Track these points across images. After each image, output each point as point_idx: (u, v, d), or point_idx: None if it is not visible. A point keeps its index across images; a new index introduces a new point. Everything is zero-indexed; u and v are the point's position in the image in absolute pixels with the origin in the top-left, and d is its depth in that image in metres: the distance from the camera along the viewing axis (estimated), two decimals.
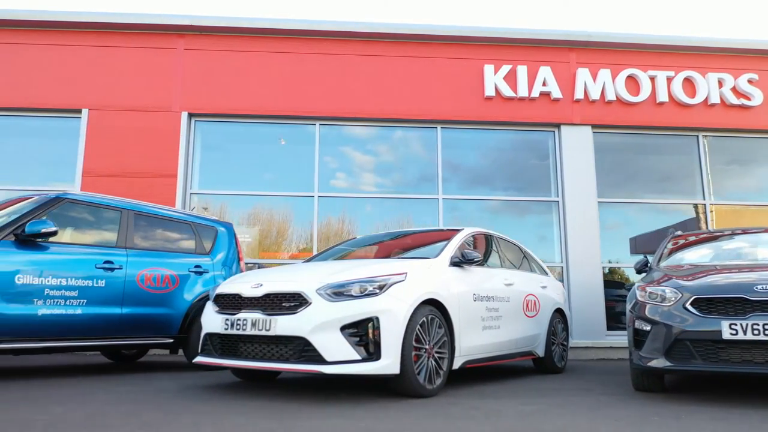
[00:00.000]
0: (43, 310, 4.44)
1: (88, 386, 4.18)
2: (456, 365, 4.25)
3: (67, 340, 4.62)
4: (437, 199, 8.45)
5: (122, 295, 4.95)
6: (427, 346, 3.90)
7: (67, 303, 4.59)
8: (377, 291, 3.72)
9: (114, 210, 5.20)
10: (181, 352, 5.68)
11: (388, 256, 5.28)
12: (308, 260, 5.28)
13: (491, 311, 4.75)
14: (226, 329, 3.88)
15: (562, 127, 8.62)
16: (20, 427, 2.69)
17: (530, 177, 8.84)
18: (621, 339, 8.12)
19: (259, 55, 8.48)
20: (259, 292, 3.84)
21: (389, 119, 8.54)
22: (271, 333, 3.67)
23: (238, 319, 3.83)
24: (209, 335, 4.05)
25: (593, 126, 8.65)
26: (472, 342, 4.45)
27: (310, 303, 3.65)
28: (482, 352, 4.62)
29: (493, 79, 8.52)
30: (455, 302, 4.26)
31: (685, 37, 8.86)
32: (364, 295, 3.69)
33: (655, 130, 8.80)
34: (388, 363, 3.59)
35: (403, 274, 3.90)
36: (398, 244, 5.50)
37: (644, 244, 8.71)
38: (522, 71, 8.58)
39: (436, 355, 3.99)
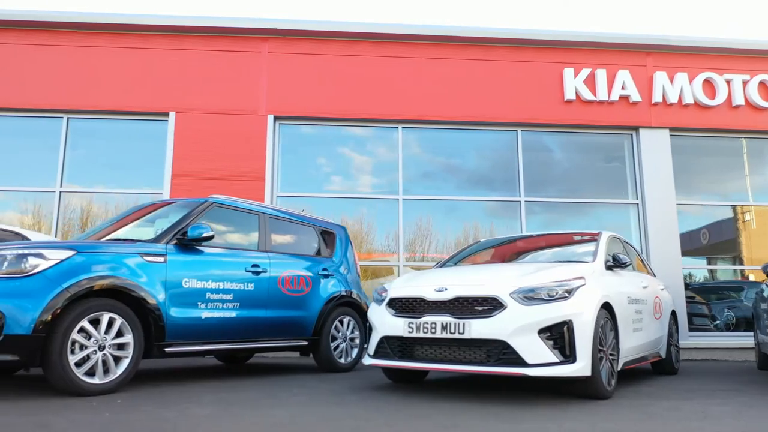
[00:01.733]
0: (205, 313, 4.49)
1: (261, 388, 4.23)
2: (618, 367, 4.32)
3: (224, 342, 4.67)
4: (519, 201, 8.52)
5: (267, 298, 5.00)
6: (605, 348, 3.97)
7: (224, 306, 4.63)
8: (566, 295, 3.78)
9: (253, 214, 5.25)
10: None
11: (517, 258, 5.34)
12: (445, 263, 5.32)
13: (638, 314, 4.82)
14: (410, 332, 3.94)
15: (641, 131, 8.70)
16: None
17: (606, 180, 8.91)
18: (703, 340, 8.24)
19: (341, 59, 8.53)
20: (446, 296, 3.89)
21: (470, 122, 8.60)
22: (465, 336, 3.72)
23: (425, 323, 3.88)
24: (387, 338, 4.10)
25: (671, 129, 8.74)
26: (629, 344, 4.53)
27: (506, 307, 3.71)
28: (634, 353, 4.70)
29: (573, 83, 8.60)
30: (618, 305, 4.32)
31: (761, 41, 8.95)
32: (555, 299, 3.75)
33: (731, 133, 8.89)
34: (583, 365, 3.66)
35: (582, 278, 3.96)
36: (533, 246, 5.55)
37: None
38: (601, 75, 8.66)
39: (610, 357, 4.06)
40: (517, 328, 3.63)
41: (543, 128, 8.72)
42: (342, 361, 5.65)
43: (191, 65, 8.31)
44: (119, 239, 4.50)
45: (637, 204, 8.66)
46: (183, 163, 8.00)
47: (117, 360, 3.88)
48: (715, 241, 9.33)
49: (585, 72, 8.65)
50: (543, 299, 3.74)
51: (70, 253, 3.81)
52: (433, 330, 3.85)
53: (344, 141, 8.73)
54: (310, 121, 8.49)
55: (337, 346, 5.63)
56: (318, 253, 5.83)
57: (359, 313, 5.97)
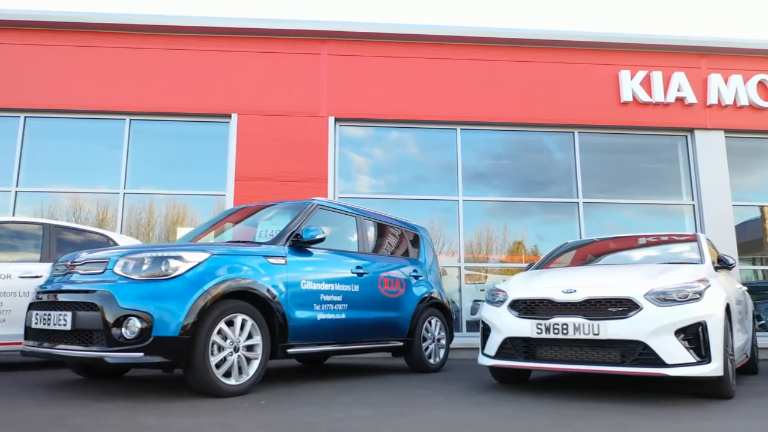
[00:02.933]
0: (320, 314, 4.53)
1: (386, 389, 4.28)
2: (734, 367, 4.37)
3: (335, 344, 4.71)
4: (576, 203, 8.57)
5: (369, 299, 5.04)
6: (728, 349, 4.02)
7: (335, 308, 4.67)
8: (697, 297, 3.83)
9: (351, 215, 5.29)
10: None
11: (619, 259, 5.40)
12: (540, 264, 5.37)
13: (740, 314, 4.89)
14: (539, 333, 3.99)
15: (696, 132, 8.76)
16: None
17: (660, 181, 8.97)
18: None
19: (399, 60, 8.58)
20: (576, 298, 3.94)
21: (527, 124, 8.66)
22: (600, 337, 3.77)
23: (556, 324, 3.93)
24: (511, 339, 4.15)
25: (725, 131, 8.80)
26: (737, 344, 4.58)
27: (641, 308, 3.75)
28: (739, 354, 4.75)
29: (630, 85, 8.66)
30: (732, 306, 4.38)
31: None
32: (687, 300, 3.80)
33: None
34: (717, 366, 3.71)
35: (707, 280, 4.02)
36: (628, 246, 5.60)
37: None
38: (657, 77, 8.72)
39: (730, 357, 4.11)
40: (655, 329, 3.67)
41: (600, 130, 8.77)
42: (431, 361, 5.70)
43: (252, 67, 8.34)
44: (238, 241, 4.53)
45: (693, 205, 8.72)
46: (246, 165, 8.03)
47: (248, 361, 3.93)
48: (741, 240, 9.34)
49: (641, 74, 8.71)
50: (675, 301, 3.79)
51: (205, 255, 3.85)
52: (564, 331, 3.89)
53: (402, 142, 8.78)
54: (368, 123, 8.54)
55: (427, 347, 5.67)
56: (406, 254, 5.88)
57: (444, 313, 6.02)
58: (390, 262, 5.46)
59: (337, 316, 4.69)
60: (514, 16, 50.30)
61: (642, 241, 5.55)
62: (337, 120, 8.39)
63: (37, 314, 3.92)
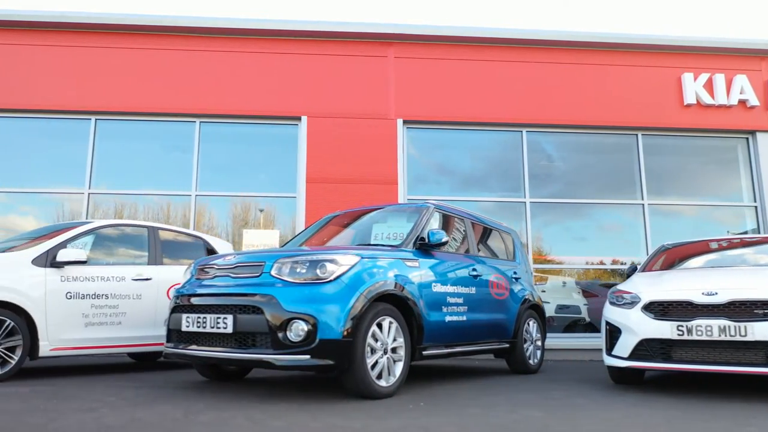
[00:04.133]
0: (448, 316, 4.58)
1: (518, 390, 4.34)
2: None
3: (458, 345, 4.77)
4: (641, 204, 8.64)
5: (483, 301, 5.10)
6: None
7: (458, 310, 4.73)
8: None
9: (460, 218, 5.34)
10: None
11: (730, 261, 5.46)
12: (644, 267, 5.43)
13: None
14: (680, 335, 4.05)
15: (758, 134, 8.84)
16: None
17: (720, 182, 9.05)
18: None
19: (465, 63, 8.63)
20: (718, 300, 4.00)
21: (589, 126, 8.72)
22: (747, 338, 3.84)
23: (698, 326, 3.99)
24: (647, 341, 4.21)
25: None
26: None
27: None
28: None
29: (693, 87, 8.73)
30: None
31: None
32: None
33: None
34: None
35: None
36: (728, 246, 5.66)
37: None
38: (719, 79, 8.79)
39: None
40: None
41: (662, 132, 8.84)
42: (531, 362, 5.76)
43: (321, 69, 8.40)
44: (376, 245, 4.57)
45: (756, 206, 8.79)
46: (317, 167, 8.09)
47: (393, 363, 3.98)
48: None
49: (704, 77, 8.78)
50: None
51: (356, 258, 3.89)
52: (708, 333, 3.95)
53: (466, 144, 8.83)
54: (435, 125, 8.59)
55: (527, 348, 5.74)
56: (505, 255, 5.94)
57: (539, 314, 6.08)
58: (495, 264, 5.52)
59: (460, 318, 4.74)
60: (567, 18, 50.11)
61: (746, 242, 5.62)
62: (405, 122, 8.44)
63: (188, 317, 3.95)
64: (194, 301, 3.99)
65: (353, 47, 8.54)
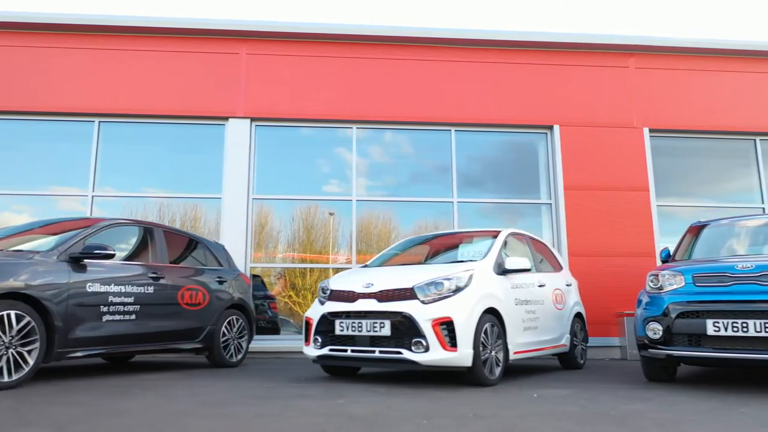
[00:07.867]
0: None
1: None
2: None
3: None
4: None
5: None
6: None
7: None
8: None
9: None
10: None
11: None
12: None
13: None
14: None
15: None
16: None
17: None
18: None
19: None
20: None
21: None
22: None
23: None
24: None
25: None
26: None
27: None
28: None
29: None
30: None
31: None
32: None
33: None
34: None
35: None
36: None
37: None
38: None
39: None
40: None
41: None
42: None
43: (570, 80, 8.69)
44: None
45: None
46: (572, 174, 8.38)
47: None
48: None
49: None
50: None
51: None
52: None
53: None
54: (679, 134, 8.87)
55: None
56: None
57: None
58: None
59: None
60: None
61: None
62: (651, 131, 8.73)
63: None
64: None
65: (593, 58, 8.82)
